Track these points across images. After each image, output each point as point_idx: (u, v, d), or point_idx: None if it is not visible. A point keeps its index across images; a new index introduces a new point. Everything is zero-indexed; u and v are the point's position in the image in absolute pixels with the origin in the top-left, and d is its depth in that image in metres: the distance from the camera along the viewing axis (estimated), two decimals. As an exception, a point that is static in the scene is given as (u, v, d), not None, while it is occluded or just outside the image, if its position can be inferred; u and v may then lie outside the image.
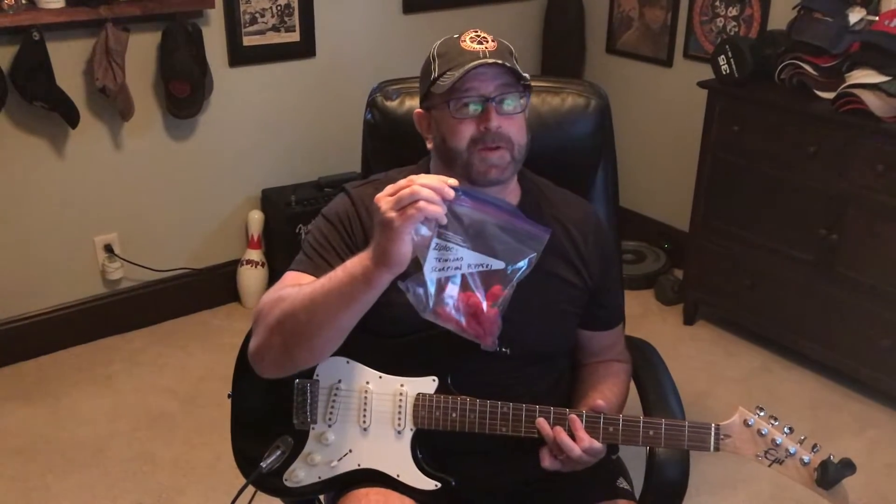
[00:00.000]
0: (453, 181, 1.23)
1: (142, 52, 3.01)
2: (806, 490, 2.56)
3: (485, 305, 1.30)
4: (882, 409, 2.87)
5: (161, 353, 3.17)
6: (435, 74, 1.43)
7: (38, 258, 3.06)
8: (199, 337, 3.24)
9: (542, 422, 1.39)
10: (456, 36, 1.45)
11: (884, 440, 2.73)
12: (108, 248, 3.18)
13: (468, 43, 1.42)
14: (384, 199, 1.22)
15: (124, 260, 3.22)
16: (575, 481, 1.50)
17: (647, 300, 3.58)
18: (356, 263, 1.27)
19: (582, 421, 1.38)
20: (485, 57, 1.39)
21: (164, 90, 3.07)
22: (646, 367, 1.75)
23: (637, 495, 1.58)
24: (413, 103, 1.78)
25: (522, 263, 1.29)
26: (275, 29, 3.28)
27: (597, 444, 1.38)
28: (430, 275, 1.27)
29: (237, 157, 3.38)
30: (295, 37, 3.34)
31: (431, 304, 1.29)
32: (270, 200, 3.42)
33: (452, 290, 1.29)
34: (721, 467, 2.58)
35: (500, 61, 1.38)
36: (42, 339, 3.11)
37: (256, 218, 3.43)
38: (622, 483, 1.56)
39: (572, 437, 1.38)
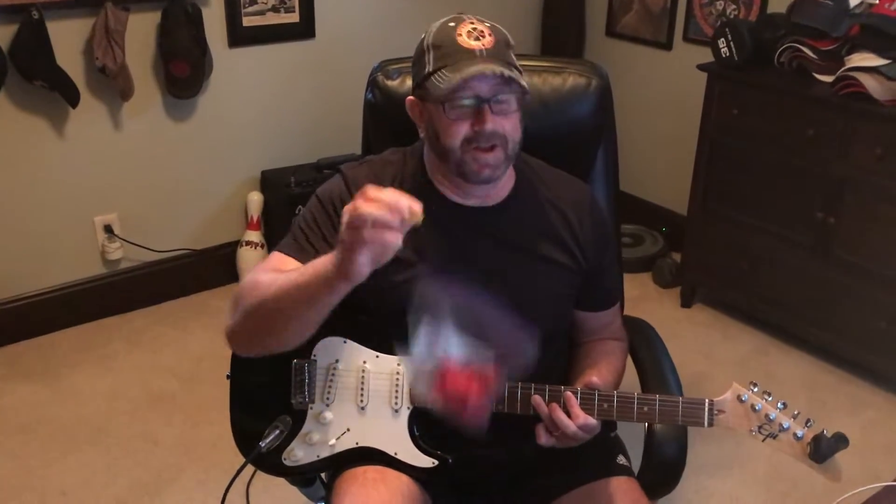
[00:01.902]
0: (417, 208, 1.15)
1: (141, 31, 3.00)
2: (802, 470, 2.58)
3: (474, 395, 1.28)
4: (878, 391, 2.89)
5: (161, 333, 3.18)
6: (430, 68, 1.38)
7: (37, 238, 3.06)
8: (198, 317, 3.25)
9: (537, 399, 1.41)
10: (451, 24, 1.40)
11: (879, 421, 2.75)
12: (108, 229, 3.19)
13: (465, 38, 1.37)
14: (346, 212, 1.14)
15: (124, 240, 3.22)
16: (574, 459, 1.52)
17: (646, 283, 3.60)
18: (325, 263, 1.23)
19: (577, 397, 1.40)
20: (482, 56, 1.35)
21: (164, 70, 3.07)
22: (644, 346, 1.76)
23: (636, 473, 1.59)
24: (414, 82, 1.79)
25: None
26: (274, 9, 3.27)
27: (592, 421, 1.39)
28: (419, 357, 1.29)
29: (237, 138, 3.38)
30: (294, 17, 3.33)
31: (422, 383, 1.31)
32: (270, 181, 3.43)
33: (441, 374, 1.29)
34: (718, 448, 2.61)
35: (497, 69, 1.33)
36: (42, 319, 3.12)
37: (256, 199, 3.44)
38: (621, 460, 1.58)
39: (568, 413, 1.39)
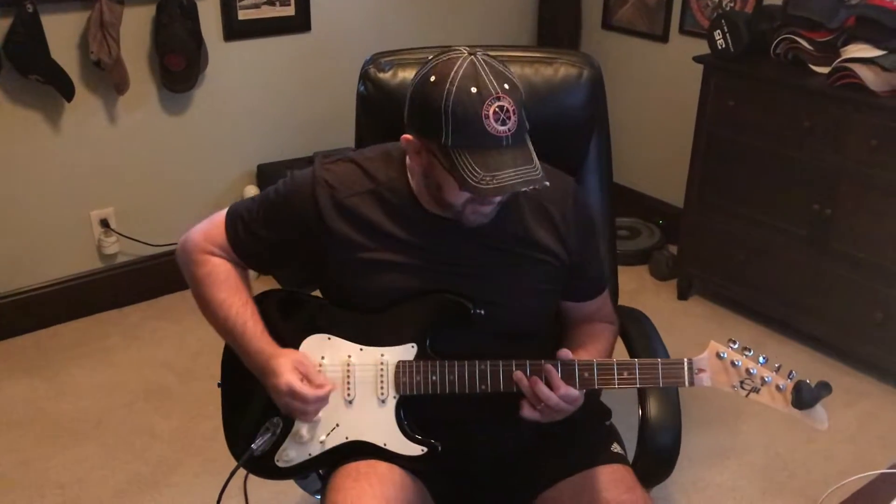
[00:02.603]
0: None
1: (136, 25, 3.00)
2: (798, 461, 2.59)
3: None
4: (873, 382, 2.90)
5: (158, 327, 3.18)
6: (448, 141, 1.30)
7: (34, 233, 3.06)
8: (195, 311, 3.19)
9: (519, 374, 1.42)
10: (474, 90, 1.29)
11: (875, 412, 2.76)
12: (105, 223, 3.19)
13: (492, 122, 1.29)
14: (290, 396, 1.42)
15: (120, 234, 3.23)
16: (569, 446, 1.53)
17: (642, 276, 3.60)
18: (256, 350, 1.47)
19: (557, 369, 1.41)
20: (507, 144, 1.30)
21: (159, 64, 3.07)
22: (638, 334, 1.77)
23: (630, 461, 1.59)
24: (405, 74, 1.79)
25: None
26: (270, 3, 3.27)
27: (573, 391, 1.41)
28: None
29: (232, 132, 3.38)
30: (290, 11, 3.33)
31: None
32: (266, 175, 3.42)
33: None
34: (714, 439, 2.61)
35: (532, 178, 1.30)
36: (39, 314, 3.13)
37: (252, 193, 3.40)
38: (616, 448, 1.58)
39: (549, 387, 1.40)
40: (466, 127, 1.29)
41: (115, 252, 3.24)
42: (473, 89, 1.29)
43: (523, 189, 1.31)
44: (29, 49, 2.75)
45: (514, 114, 1.31)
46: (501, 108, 1.29)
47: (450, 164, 1.32)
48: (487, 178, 1.29)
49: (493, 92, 1.29)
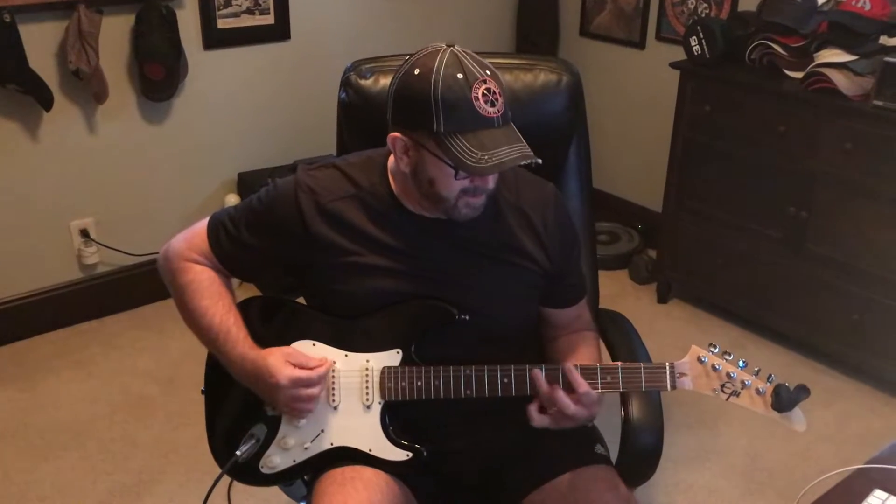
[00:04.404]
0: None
1: (115, 34, 2.99)
2: (778, 461, 2.62)
3: None
4: (852, 381, 2.94)
5: (138, 337, 3.17)
6: (440, 127, 1.32)
7: (13, 243, 3.04)
8: (176, 321, 3.14)
9: (536, 373, 1.42)
10: (460, 77, 1.31)
11: (854, 412, 2.80)
12: (84, 233, 3.17)
13: (482, 104, 1.31)
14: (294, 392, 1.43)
15: (100, 244, 3.21)
16: (553, 448, 1.53)
17: (622, 280, 3.63)
18: (241, 356, 1.47)
19: (542, 373, 1.42)
20: (498, 125, 1.34)
21: (139, 73, 3.06)
22: (619, 337, 1.78)
23: (613, 462, 1.61)
24: (387, 81, 1.79)
25: None
26: (249, 11, 3.27)
27: (593, 392, 1.40)
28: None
29: (213, 141, 3.38)
30: (269, 19, 3.34)
31: None
32: (247, 184, 3.42)
33: None
34: (695, 440, 2.64)
35: (526, 154, 1.33)
36: (18, 324, 3.10)
37: (233, 202, 3.43)
38: (599, 449, 1.59)
39: (569, 389, 1.41)
40: (457, 111, 1.32)
41: (95, 262, 3.23)
42: (459, 75, 1.32)
43: (521, 164, 1.33)
44: (6, 58, 2.73)
45: (500, 96, 1.35)
46: (489, 90, 1.33)
47: (444, 150, 1.33)
48: (486, 157, 1.31)
49: (479, 75, 1.33)
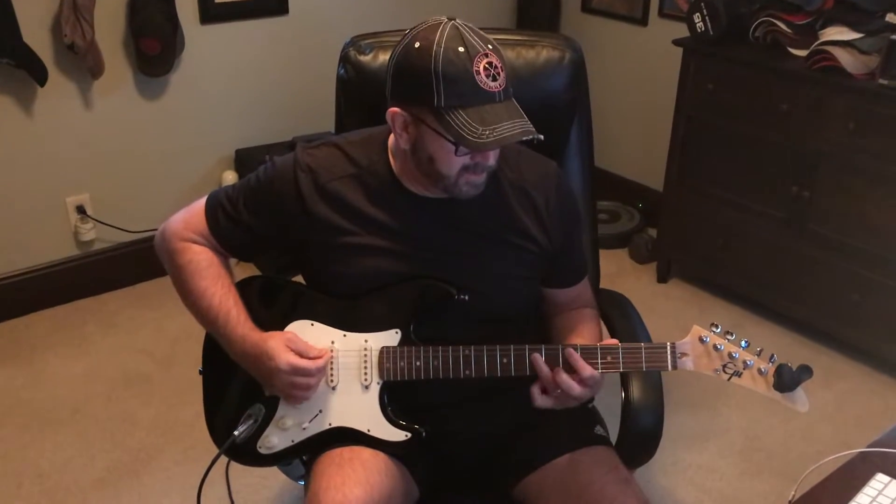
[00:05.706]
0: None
1: (111, 7, 2.95)
2: (777, 441, 2.62)
3: None
4: (851, 362, 2.93)
5: (136, 314, 3.16)
6: (441, 102, 1.30)
7: (8, 220, 3.02)
8: (173, 298, 3.16)
9: (536, 357, 1.41)
10: (462, 51, 1.29)
11: (853, 392, 2.79)
12: (81, 209, 3.15)
13: (483, 78, 1.29)
14: (291, 377, 1.42)
15: (97, 221, 3.19)
16: (552, 430, 1.53)
17: (622, 259, 3.61)
18: (241, 336, 1.45)
19: (541, 355, 1.41)
20: (500, 99, 1.31)
21: (135, 48, 3.02)
22: (621, 317, 1.77)
23: (613, 443, 1.60)
24: (386, 57, 1.77)
25: None
26: (246, -15, 3.23)
27: (596, 373, 1.39)
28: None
29: (210, 117, 3.34)
30: (267, -7, 3.30)
31: None
32: (244, 161, 3.39)
33: None
34: (694, 420, 2.63)
35: (529, 130, 1.30)
36: (15, 302, 3.09)
37: (230, 178, 3.41)
38: (599, 430, 1.59)
39: (571, 370, 1.40)
40: (459, 85, 1.29)
41: (91, 239, 3.21)
42: (461, 49, 1.30)
43: (523, 139, 1.31)
44: None
45: (502, 70, 1.32)
46: (490, 64, 1.31)
47: (445, 125, 1.31)
48: (487, 132, 1.29)
49: (481, 49, 1.31)
